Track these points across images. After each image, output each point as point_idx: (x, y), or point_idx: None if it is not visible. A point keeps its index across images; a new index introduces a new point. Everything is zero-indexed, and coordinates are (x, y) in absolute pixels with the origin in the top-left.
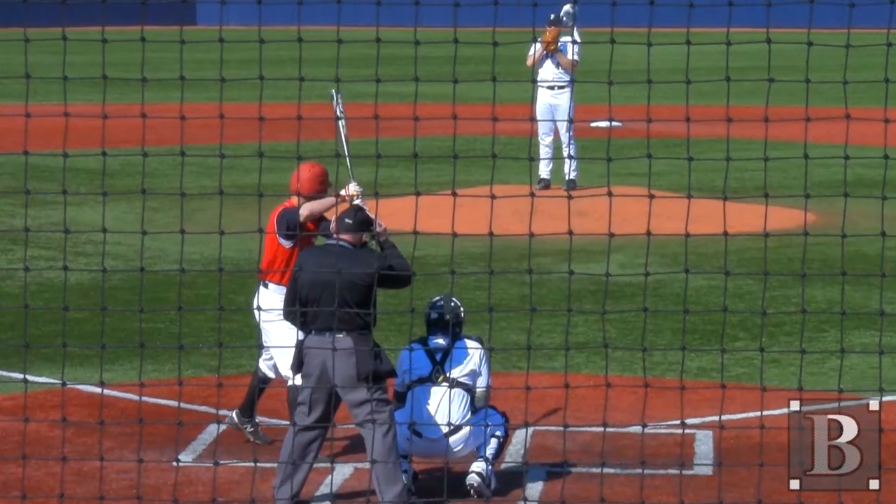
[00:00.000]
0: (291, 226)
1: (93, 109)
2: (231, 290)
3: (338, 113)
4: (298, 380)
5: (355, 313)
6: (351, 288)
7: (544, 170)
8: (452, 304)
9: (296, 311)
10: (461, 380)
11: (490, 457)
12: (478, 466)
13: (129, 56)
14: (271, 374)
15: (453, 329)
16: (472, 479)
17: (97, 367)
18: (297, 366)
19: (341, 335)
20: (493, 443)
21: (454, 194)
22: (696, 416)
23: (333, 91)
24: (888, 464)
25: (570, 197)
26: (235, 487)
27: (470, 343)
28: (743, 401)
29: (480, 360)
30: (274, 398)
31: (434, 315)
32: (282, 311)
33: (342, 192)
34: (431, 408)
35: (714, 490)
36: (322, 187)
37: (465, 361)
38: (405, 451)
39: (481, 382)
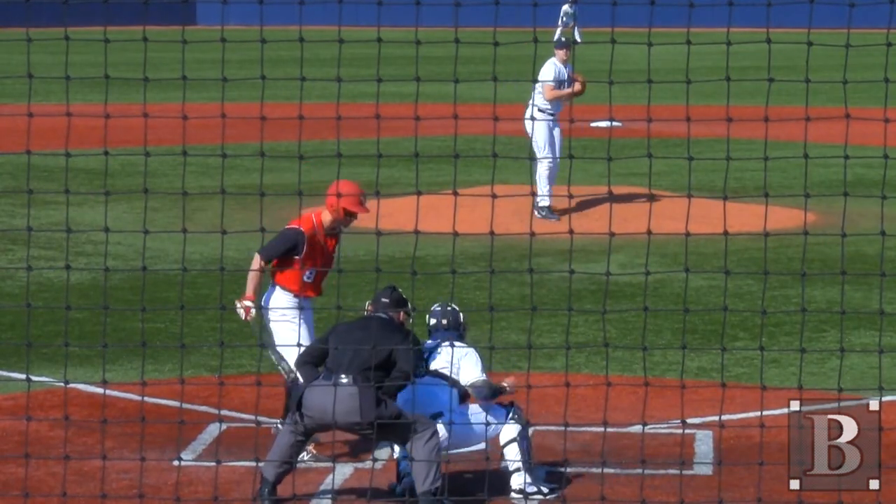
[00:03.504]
0: (284, 250)
1: (94, 109)
2: (232, 289)
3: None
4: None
5: (368, 367)
6: (376, 348)
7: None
8: (450, 308)
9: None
10: (442, 372)
11: (522, 463)
12: (516, 483)
13: (131, 56)
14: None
15: (452, 332)
16: (514, 497)
17: (98, 366)
18: (296, 406)
19: (347, 379)
20: (513, 448)
21: (455, 194)
22: (696, 416)
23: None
24: (888, 464)
25: (570, 196)
26: (236, 487)
27: (459, 343)
28: (743, 400)
29: (464, 354)
30: (274, 398)
31: (433, 321)
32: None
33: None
34: (414, 400)
35: (714, 490)
36: (360, 208)
37: (447, 357)
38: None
39: (466, 375)
